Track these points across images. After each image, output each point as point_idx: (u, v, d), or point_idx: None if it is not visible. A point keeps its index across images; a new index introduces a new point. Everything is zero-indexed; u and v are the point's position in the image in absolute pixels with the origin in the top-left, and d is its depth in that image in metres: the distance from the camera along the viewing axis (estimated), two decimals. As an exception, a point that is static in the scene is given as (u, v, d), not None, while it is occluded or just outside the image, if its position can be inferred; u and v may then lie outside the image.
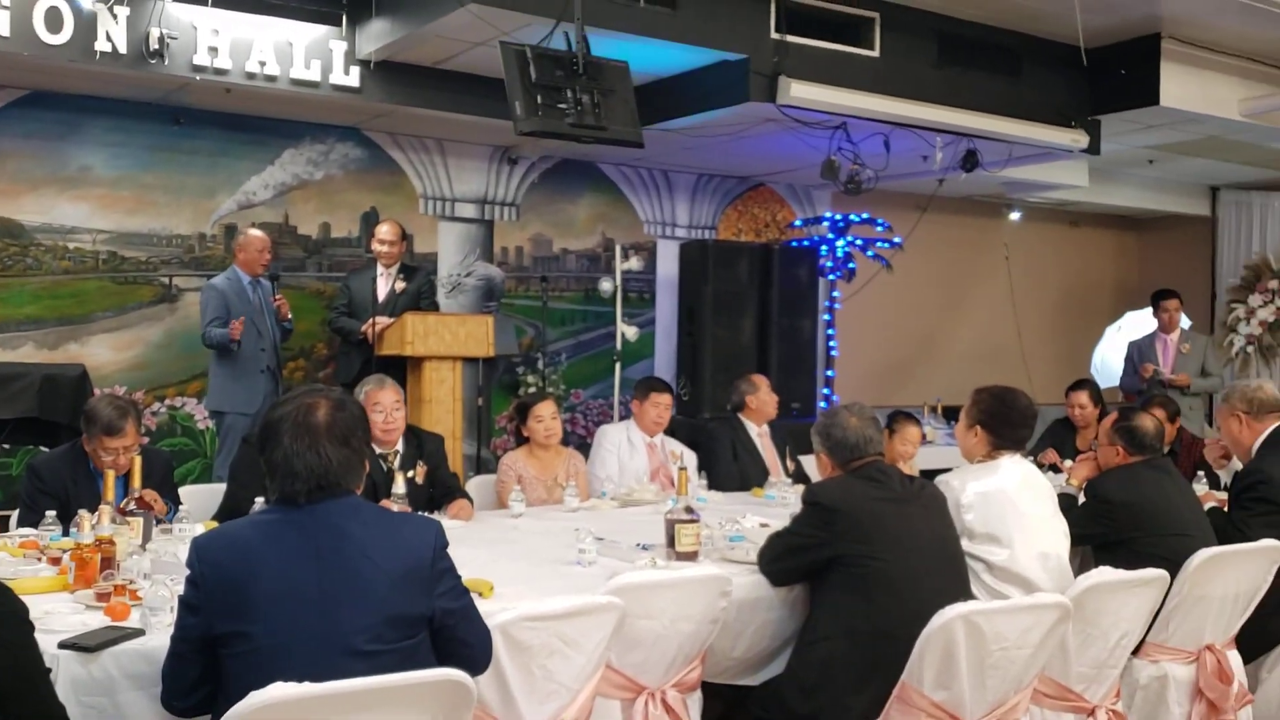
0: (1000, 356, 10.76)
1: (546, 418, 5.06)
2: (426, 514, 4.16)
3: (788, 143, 7.52)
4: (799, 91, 6.46)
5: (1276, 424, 4.28)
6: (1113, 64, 7.53)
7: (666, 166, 8.83)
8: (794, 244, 9.11)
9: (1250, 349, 10.47)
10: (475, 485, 5.20)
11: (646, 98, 6.26)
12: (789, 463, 5.94)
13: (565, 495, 4.70)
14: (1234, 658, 3.76)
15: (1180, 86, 7.48)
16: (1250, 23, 6.88)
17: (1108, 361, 10.86)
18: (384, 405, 4.46)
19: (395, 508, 3.73)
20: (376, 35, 6.22)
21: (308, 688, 2.07)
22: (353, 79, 6.37)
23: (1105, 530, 3.96)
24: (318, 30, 6.26)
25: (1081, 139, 7.62)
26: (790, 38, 6.49)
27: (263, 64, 6.10)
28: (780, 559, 3.41)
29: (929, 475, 3.79)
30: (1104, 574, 3.33)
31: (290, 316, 6.46)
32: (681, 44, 6.18)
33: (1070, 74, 7.52)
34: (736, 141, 7.65)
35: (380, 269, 6.63)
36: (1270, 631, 3.99)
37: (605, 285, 8.07)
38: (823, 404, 8.84)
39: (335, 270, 7.55)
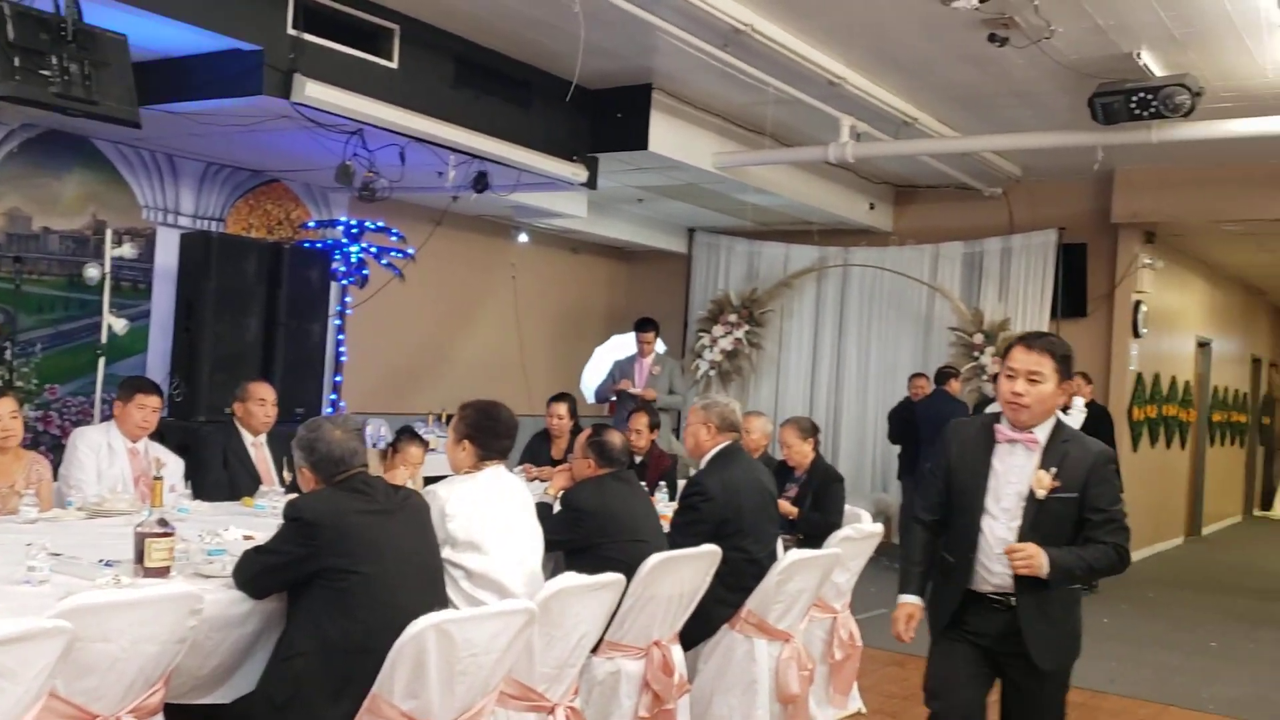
0: (504, 369, 11.12)
1: (5, 416, 4.51)
2: None
3: (304, 142, 7.28)
4: (315, 92, 6.27)
5: (729, 442, 4.77)
6: (611, 107, 8.08)
7: (172, 150, 8.21)
8: (306, 245, 8.84)
9: (713, 373, 11.66)
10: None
11: (150, 76, 5.78)
12: (286, 473, 5.73)
13: (21, 505, 4.20)
14: (677, 651, 4.14)
15: (666, 135, 8.17)
16: (725, 85, 7.67)
17: (594, 378, 11.58)
18: None
19: None
20: None
21: None
22: None
23: (576, 536, 4.21)
24: None
25: (581, 173, 8.08)
26: (308, 36, 6.29)
27: None
28: (258, 578, 3.27)
29: (435, 482, 3.82)
30: (569, 579, 3.52)
31: None
32: (190, 25, 5.77)
33: (573, 111, 7.95)
34: (250, 134, 7.28)
35: None
36: (710, 620, 4.44)
37: (92, 271, 7.34)
38: (329, 409, 8.64)
39: None
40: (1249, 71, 6.75)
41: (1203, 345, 13.00)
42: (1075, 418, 8.46)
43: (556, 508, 4.42)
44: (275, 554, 3.26)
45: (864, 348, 11.30)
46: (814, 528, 5.70)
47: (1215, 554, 12.02)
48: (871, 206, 11.08)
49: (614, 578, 3.66)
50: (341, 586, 3.17)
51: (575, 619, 3.54)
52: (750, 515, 4.60)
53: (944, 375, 9.41)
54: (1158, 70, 6.64)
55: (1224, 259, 12.74)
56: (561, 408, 6.85)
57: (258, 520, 4.39)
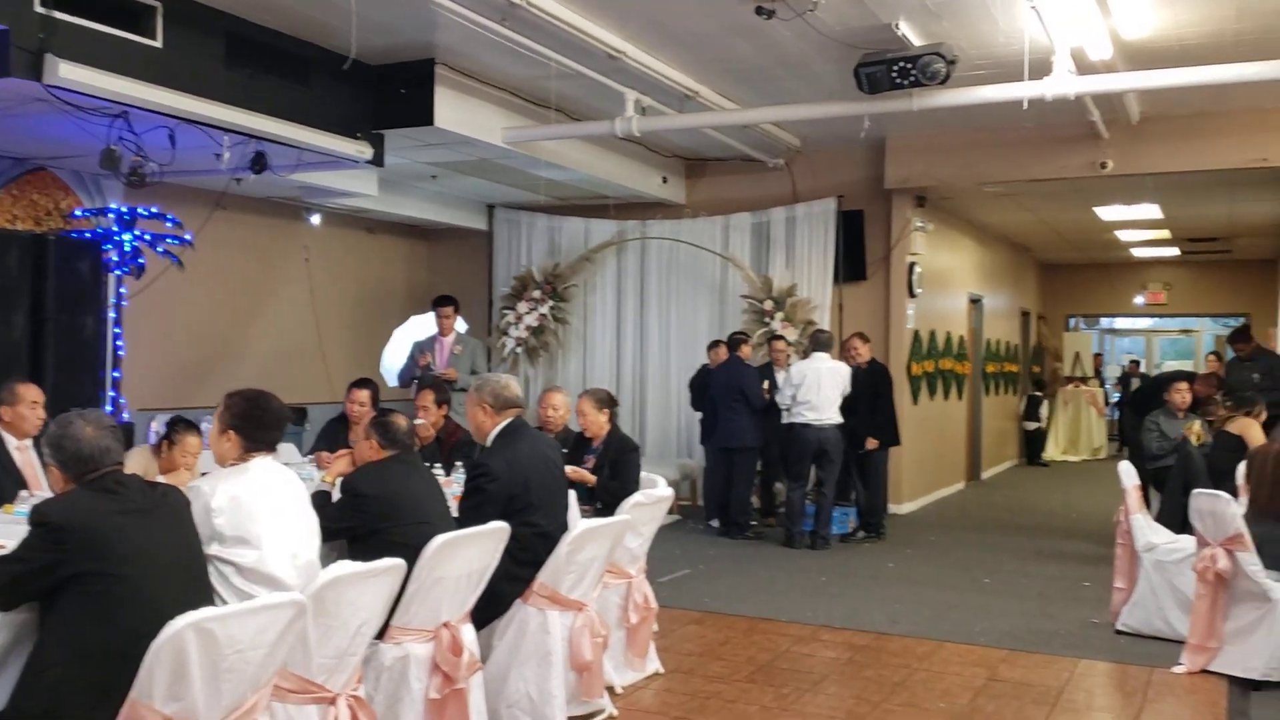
0: (301, 357, 10.72)
1: None
2: None
3: (65, 126, 6.77)
4: (69, 73, 5.82)
5: (512, 419, 4.68)
6: (394, 83, 7.82)
7: (-83, 138, 7.53)
8: (75, 235, 8.25)
9: (519, 350, 11.53)
10: None
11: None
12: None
13: None
14: (467, 630, 4.04)
15: (453, 110, 7.97)
16: (509, 60, 7.53)
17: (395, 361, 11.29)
18: None
19: None
20: None
21: None
22: None
23: (358, 523, 4.05)
24: None
25: (366, 150, 7.81)
26: (59, 14, 5.82)
27: None
28: (4, 590, 3.01)
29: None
30: (343, 567, 3.37)
31: None
32: (-84, 2, 5.27)
33: (356, 88, 7.67)
34: (4, 119, 6.74)
35: None
36: (502, 597, 4.35)
37: None
38: (108, 407, 8.12)
39: None
40: (998, 40, 7.05)
41: (975, 302, 13.67)
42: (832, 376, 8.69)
43: (336, 494, 4.25)
44: (22, 562, 3.01)
45: (665, 318, 11.39)
46: (612, 496, 5.70)
47: (992, 496, 12.70)
48: (664, 180, 11.15)
49: (393, 563, 3.53)
50: (97, 592, 2.96)
51: (353, 607, 3.39)
52: (538, 489, 4.53)
53: (736, 341, 9.57)
54: (915, 40, 6.86)
55: (989, 219, 13.41)
56: (363, 394, 6.62)
57: (19, 528, 4.04)
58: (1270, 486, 5.46)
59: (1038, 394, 16.66)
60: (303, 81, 7.34)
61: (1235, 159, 9.04)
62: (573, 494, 5.14)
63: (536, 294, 11.48)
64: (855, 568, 8.05)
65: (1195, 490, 5.60)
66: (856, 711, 4.84)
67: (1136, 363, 19.11)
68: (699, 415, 9.87)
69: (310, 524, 3.70)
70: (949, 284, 12.46)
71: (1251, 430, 6.43)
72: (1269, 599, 5.17)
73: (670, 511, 9.35)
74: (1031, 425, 16.45)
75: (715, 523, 9.46)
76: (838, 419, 8.73)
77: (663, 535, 8.17)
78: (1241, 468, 5.97)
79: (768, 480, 9.83)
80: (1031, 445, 16.45)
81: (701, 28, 6.98)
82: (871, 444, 9.10)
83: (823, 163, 10.77)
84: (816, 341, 8.96)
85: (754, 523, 9.42)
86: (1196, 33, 6.96)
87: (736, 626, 6.26)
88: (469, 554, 3.96)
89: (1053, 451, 16.92)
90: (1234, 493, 5.72)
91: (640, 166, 10.71)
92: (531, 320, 11.47)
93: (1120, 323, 20.90)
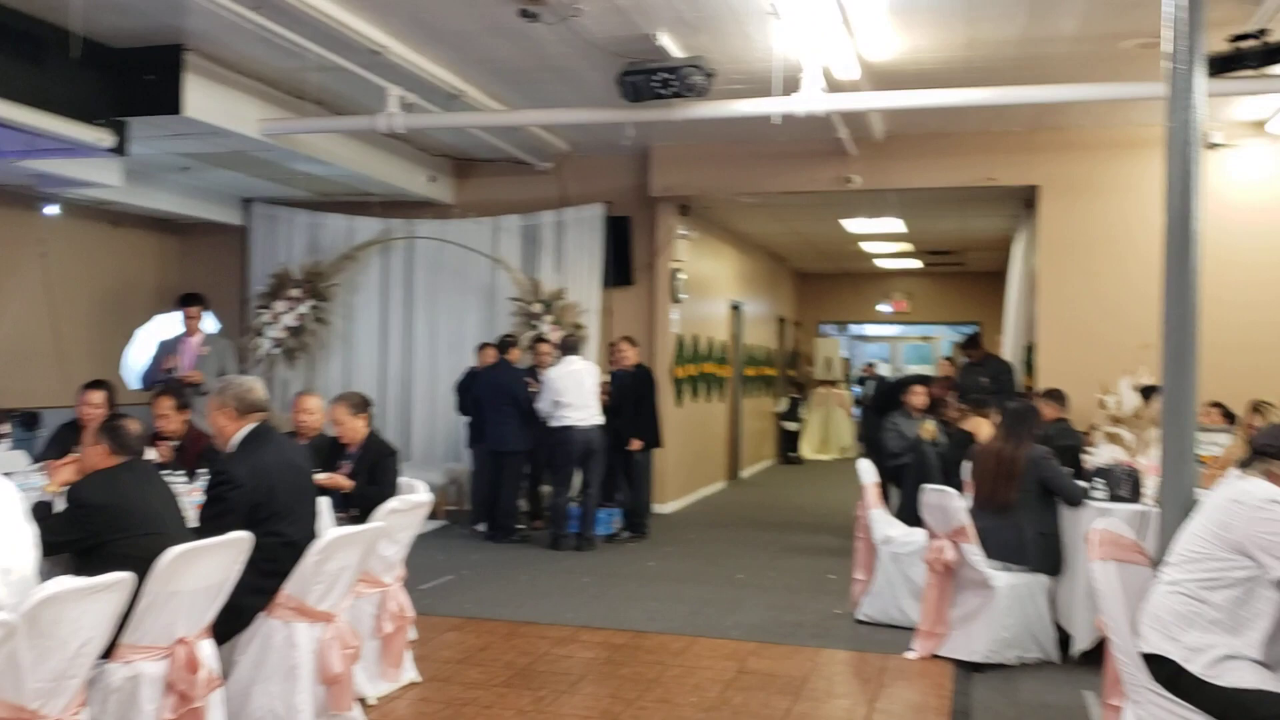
0: (34, 358, 9.91)
1: None
2: None
3: None
4: None
5: (257, 424, 4.46)
6: (139, 67, 7.33)
7: None
8: None
9: (278, 350, 11.05)
10: None
11: None
12: None
13: None
14: (206, 646, 3.81)
15: (204, 99, 7.55)
16: (265, 50, 7.21)
17: (139, 362, 10.62)
18: None
19: None
20: None
21: None
22: None
23: (83, 535, 3.76)
24: None
25: (107, 138, 7.29)
26: None
27: None
28: None
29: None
30: (61, 584, 3.10)
31: None
32: None
33: (97, 72, 7.15)
34: None
35: None
36: (243, 611, 4.14)
37: None
38: None
39: None
40: (753, 55, 7.30)
41: (735, 308, 14.12)
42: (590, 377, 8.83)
43: (59, 505, 3.93)
44: None
45: (432, 319, 11.19)
46: (369, 502, 5.50)
47: (750, 495, 13.16)
48: (432, 179, 10.95)
49: (119, 577, 3.28)
50: None
51: (73, 626, 3.13)
52: (285, 497, 4.34)
53: (505, 344, 9.51)
54: (676, 52, 7.01)
55: (749, 229, 13.90)
56: (96, 395, 6.16)
57: None
58: (990, 482, 5.87)
59: (798, 396, 17.40)
60: (36, 61, 6.78)
61: (967, 178, 9.71)
62: (326, 501, 4.96)
63: (295, 293, 11.03)
64: (618, 568, 8.14)
65: (925, 486, 5.96)
66: (611, 710, 4.88)
67: (872, 365, 20.17)
68: (466, 419, 9.74)
69: (24, 537, 3.40)
70: (711, 290, 12.82)
71: (982, 428, 6.88)
72: (989, 587, 5.56)
73: (436, 516, 9.25)
74: (793, 426, 17.16)
75: (482, 527, 9.36)
76: (600, 419, 8.82)
77: (428, 541, 8.05)
78: (968, 465, 6.39)
79: (535, 483, 9.81)
80: (794, 445, 17.17)
81: (465, 26, 6.89)
82: (636, 445, 9.23)
83: (591, 168, 10.86)
84: (567, 346, 9.06)
85: (521, 526, 9.38)
86: (933, 59, 7.42)
87: (497, 631, 6.20)
88: (207, 566, 3.74)
89: (806, 450, 17.70)
90: (962, 488, 6.11)
91: (407, 164, 10.48)
92: (290, 320, 11.01)
93: (868, 329, 22.10)
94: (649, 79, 6.86)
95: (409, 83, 7.75)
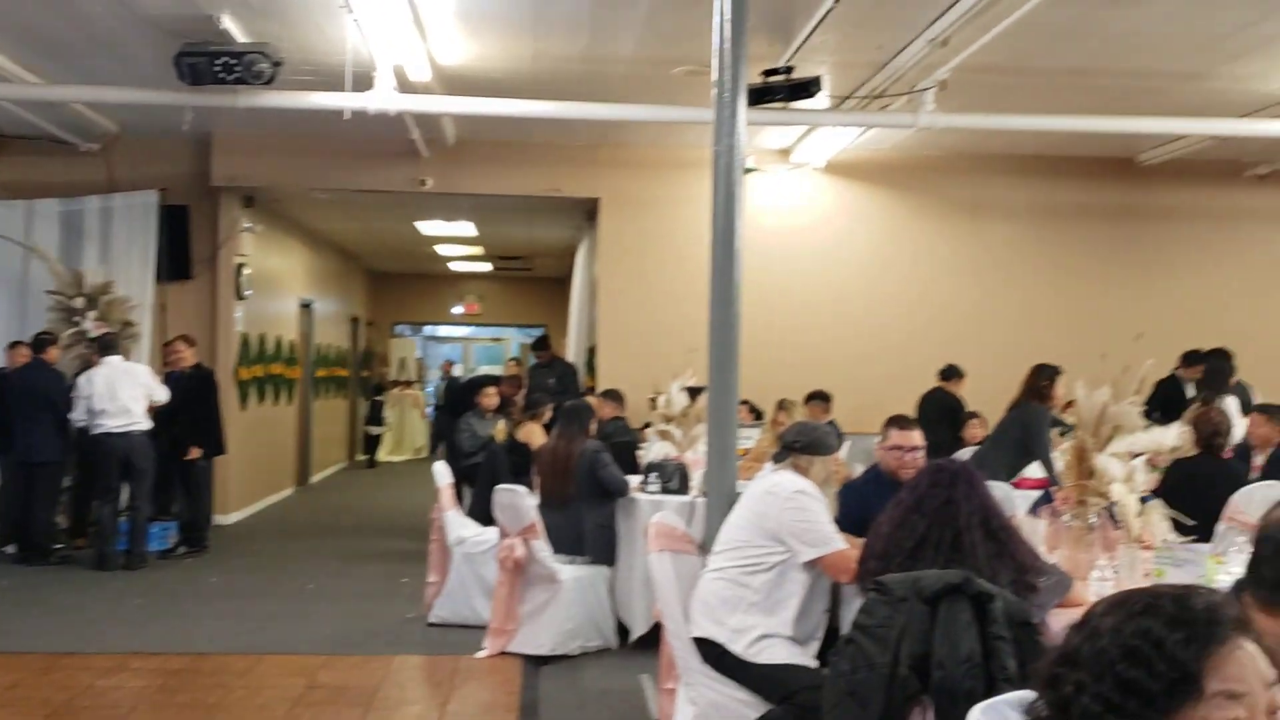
0: None
1: None
2: None
3: None
4: None
5: None
6: None
7: None
8: None
9: None
10: None
11: None
12: None
13: None
14: None
15: None
16: None
17: None
18: None
19: None
20: None
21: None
22: None
23: None
24: None
25: None
26: None
27: None
28: None
29: None
30: None
31: None
32: None
33: None
34: None
35: None
36: None
37: None
38: None
39: None
40: (325, 48, 7.02)
41: (306, 306, 13.56)
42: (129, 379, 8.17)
43: None
44: None
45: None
46: None
47: (321, 500, 12.69)
48: (-54, 155, 9.51)
49: None
50: None
51: None
52: None
53: (41, 342, 8.48)
54: (241, 37, 6.58)
55: (321, 225, 13.41)
56: None
57: None
58: (550, 478, 6.06)
59: (380, 399, 17.01)
60: None
61: (535, 187, 9.97)
62: None
63: None
64: (175, 586, 7.50)
65: (498, 486, 6.03)
66: (165, 742, 4.47)
67: (450, 363, 20.16)
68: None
69: None
70: (279, 288, 12.21)
71: (534, 435, 7.03)
72: (557, 581, 5.72)
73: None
74: (376, 430, 16.78)
75: (12, 548, 8.26)
76: (144, 425, 8.09)
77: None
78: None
79: (81, 497, 8.79)
80: (376, 449, 16.78)
81: (-8, -12, 6.04)
82: (195, 453, 8.57)
83: (144, 152, 9.92)
84: (104, 345, 8.27)
85: (60, 545, 8.38)
86: (502, 68, 7.53)
87: (30, 666, 5.47)
88: None
89: (381, 453, 17.37)
90: (530, 487, 6.24)
91: (-87, 137, 9.02)
92: None
93: (442, 330, 22.13)
94: (210, 62, 6.37)
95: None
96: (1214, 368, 7.69)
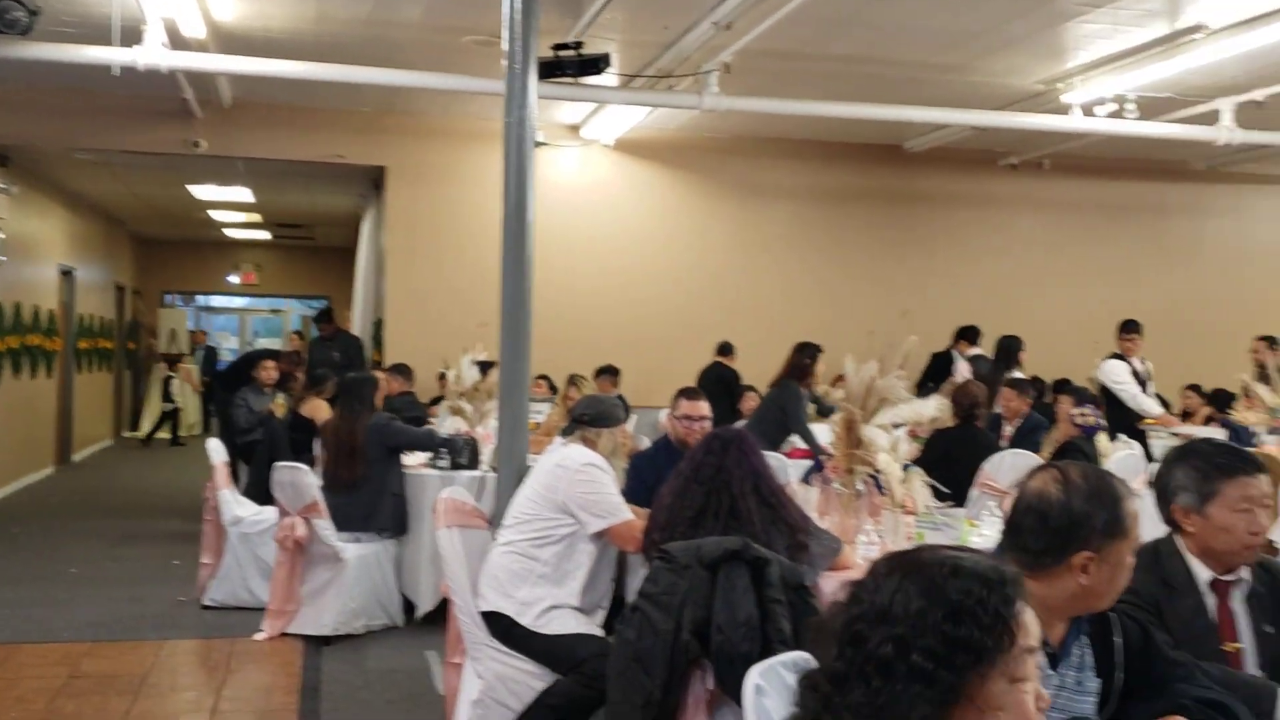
0: None
1: None
2: None
3: None
4: None
5: None
6: None
7: None
8: None
9: None
10: None
11: None
12: None
13: None
14: None
15: None
16: None
17: None
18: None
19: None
20: None
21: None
22: None
23: None
24: None
25: None
26: None
27: None
28: None
29: None
30: None
31: None
32: None
33: None
34: None
35: None
36: None
37: None
38: None
39: None
40: (90, 0, 6.51)
41: (66, 274, 12.60)
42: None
43: None
44: None
45: None
46: None
47: (84, 479, 11.87)
48: None
49: None
50: None
51: None
52: None
53: None
54: (-13, -18, 6.00)
55: (83, 188, 12.49)
56: None
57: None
58: (338, 461, 5.87)
59: (172, 374, 15.93)
60: None
61: (316, 152, 9.57)
62: None
63: None
64: (-87, 574, 6.88)
65: (277, 463, 5.80)
66: (-96, 745, 4.09)
67: (202, 333, 18.84)
68: None
69: None
70: (37, 254, 11.31)
71: (319, 410, 6.82)
72: (340, 559, 5.56)
73: None
74: (169, 406, 15.75)
75: None
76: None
77: None
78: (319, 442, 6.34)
79: None
80: (173, 426, 15.73)
81: None
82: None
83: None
84: None
85: None
86: (282, 27, 7.19)
87: None
88: None
89: (147, 428, 16.36)
90: (313, 464, 6.04)
91: None
92: None
93: (216, 300, 20.99)
94: (-49, 9, 5.79)
95: None
96: (1004, 345, 8.39)
